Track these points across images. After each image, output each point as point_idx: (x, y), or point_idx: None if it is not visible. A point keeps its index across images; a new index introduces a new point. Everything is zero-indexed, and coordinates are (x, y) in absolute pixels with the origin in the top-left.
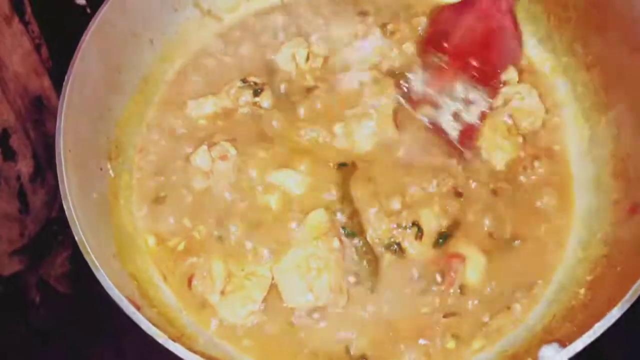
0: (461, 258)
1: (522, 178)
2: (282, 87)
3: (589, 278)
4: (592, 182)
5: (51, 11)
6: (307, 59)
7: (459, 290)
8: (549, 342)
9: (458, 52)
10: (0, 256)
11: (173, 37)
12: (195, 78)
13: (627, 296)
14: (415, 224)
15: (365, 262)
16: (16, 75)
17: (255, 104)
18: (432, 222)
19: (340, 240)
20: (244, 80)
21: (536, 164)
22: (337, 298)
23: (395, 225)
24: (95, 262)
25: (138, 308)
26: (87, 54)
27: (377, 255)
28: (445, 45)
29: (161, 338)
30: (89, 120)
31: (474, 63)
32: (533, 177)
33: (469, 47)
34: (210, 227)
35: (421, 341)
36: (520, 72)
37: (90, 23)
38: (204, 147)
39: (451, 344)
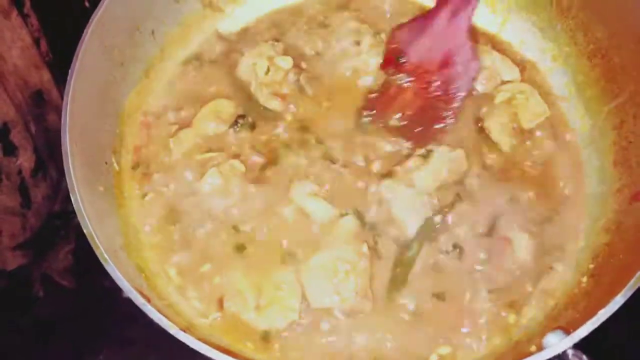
0: (507, 240)
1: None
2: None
3: (591, 266)
4: (595, 170)
5: (50, 4)
6: (268, 71)
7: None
8: (552, 329)
9: (418, 72)
10: (3, 251)
11: (174, 28)
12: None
13: (630, 283)
14: (455, 246)
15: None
16: (16, 69)
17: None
18: (471, 238)
19: (369, 246)
20: (236, 121)
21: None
22: (363, 302)
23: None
24: (105, 255)
25: (148, 300)
26: (89, 48)
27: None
28: (405, 63)
29: (172, 329)
30: (93, 114)
31: (436, 82)
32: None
33: (428, 67)
34: (228, 241)
35: (463, 330)
36: (523, 66)
37: (92, 17)
38: (212, 170)
39: (511, 317)
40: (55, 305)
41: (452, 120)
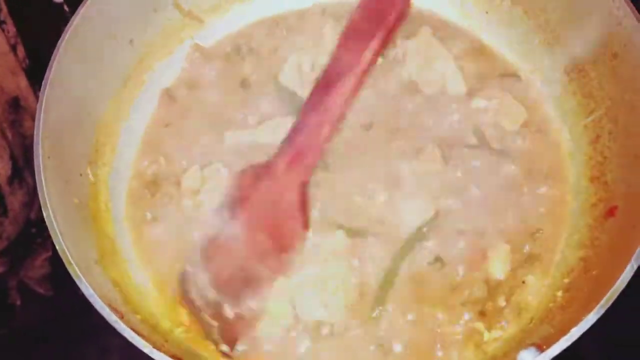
0: (484, 251)
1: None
2: None
3: (566, 280)
4: (572, 184)
5: (27, 10)
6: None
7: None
8: (527, 344)
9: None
10: None
11: (153, 37)
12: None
13: (603, 301)
14: (437, 259)
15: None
16: None
17: None
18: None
19: (360, 260)
20: None
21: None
22: (352, 318)
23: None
24: (77, 271)
25: (121, 316)
26: (65, 57)
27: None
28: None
29: (146, 348)
30: (68, 125)
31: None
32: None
33: (261, 219)
34: None
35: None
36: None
37: (68, 25)
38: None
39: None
40: (32, 314)
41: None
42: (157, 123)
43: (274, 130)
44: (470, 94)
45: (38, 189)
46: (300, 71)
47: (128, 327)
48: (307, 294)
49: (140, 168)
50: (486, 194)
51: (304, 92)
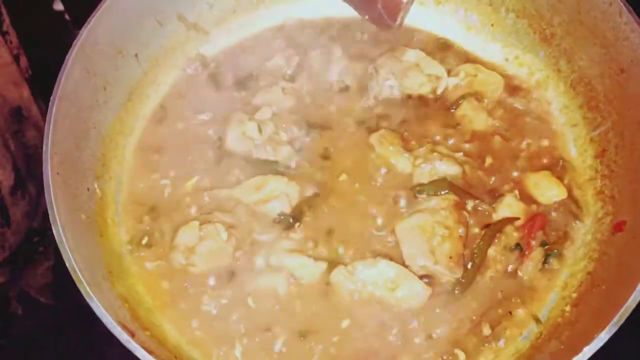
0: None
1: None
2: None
3: (574, 295)
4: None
5: (29, 19)
6: (260, 131)
7: None
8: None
9: None
10: None
11: (158, 50)
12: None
13: (615, 319)
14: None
15: None
16: None
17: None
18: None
19: (468, 213)
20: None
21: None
22: (454, 268)
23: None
24: (88, 290)
25: (132, 335)
26: (72, 73)
27: None
28: None
29: None
30: (75, 140)
31: None
32: None
33: None
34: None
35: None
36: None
37: (75, 42)
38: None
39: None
40: (33, 323)
41: None
42: (146, 141)
43: (256, 190)
44: None
45: (48, 206)
46: (247, 137)
47: (140, 345)
48: (414, 239)
49: (136, 189)
50: None
51: (259, 153)
